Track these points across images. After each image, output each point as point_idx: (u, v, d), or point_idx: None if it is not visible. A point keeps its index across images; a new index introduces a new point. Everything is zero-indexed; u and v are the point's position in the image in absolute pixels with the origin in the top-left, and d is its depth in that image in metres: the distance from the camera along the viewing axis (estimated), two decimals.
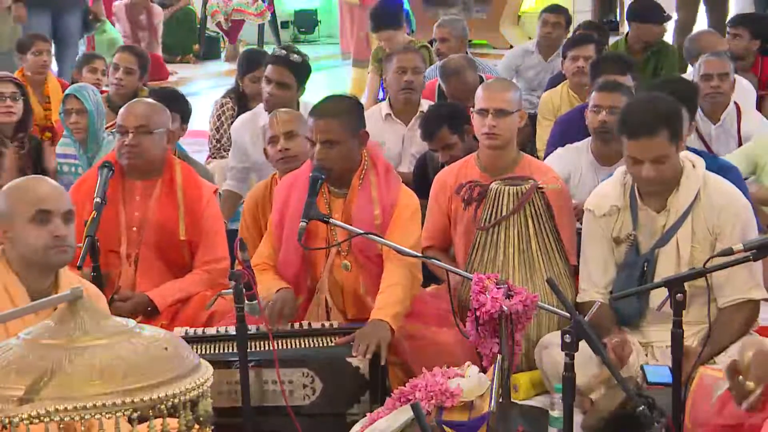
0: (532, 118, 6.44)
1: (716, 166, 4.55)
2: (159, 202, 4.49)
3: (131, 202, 4.48)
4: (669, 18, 8.07)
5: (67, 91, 6.01)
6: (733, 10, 10.19)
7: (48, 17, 8.92)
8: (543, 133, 6.49)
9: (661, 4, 8.06)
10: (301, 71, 5.77)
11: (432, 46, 8.03)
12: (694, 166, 4.00)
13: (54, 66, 8.94)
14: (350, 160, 4.19)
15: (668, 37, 8.76)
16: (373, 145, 4.38)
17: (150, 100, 4.87)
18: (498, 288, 3.36)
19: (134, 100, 4.86)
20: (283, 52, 5.87)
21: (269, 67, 5.75)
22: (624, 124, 3.92)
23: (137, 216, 4.47)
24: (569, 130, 5.58)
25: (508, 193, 4.16)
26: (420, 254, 4.09)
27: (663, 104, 3.98)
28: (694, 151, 4.59)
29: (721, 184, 4.03)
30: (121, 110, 4.56)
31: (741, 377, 3.09)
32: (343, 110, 4.22)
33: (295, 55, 5.79)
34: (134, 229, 4.47)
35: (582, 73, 6.39)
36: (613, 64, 5.80)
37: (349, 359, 3.84)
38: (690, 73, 6.50)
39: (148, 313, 4.31)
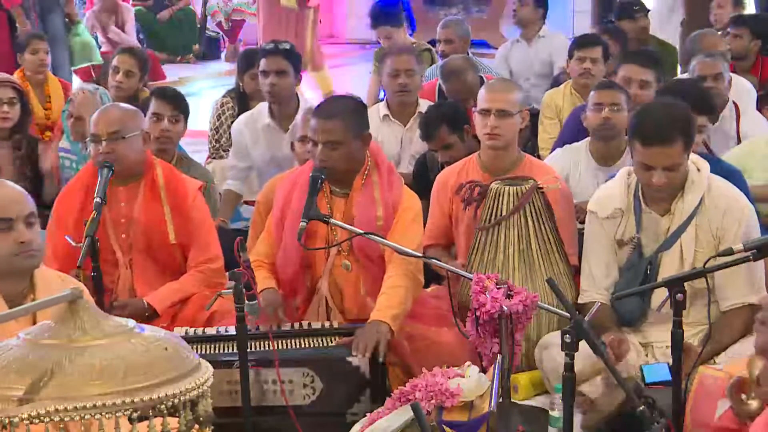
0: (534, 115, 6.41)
1: (720, 169, 4.54)
2: (144, 205, 4.45)
3: (116, 208, 4.44)
4: (639, 11, 7.96)
5: (72, 95, 6.01)
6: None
7: (33, 18, 8.96)
8: (545, 132, 6.48)
9: (632, 0, 8.01)
10: (293, 57, 5.86)
11: (433, 46, 8.02)
12: (699, 169, 3.99)
13: None
14: (352, 161, 4.19)
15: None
16: (375, 146, 4.37)
17: (122, 104, 4.82)
18: (498, 288, 3.36)
19: (106, 105, 4.82)
20: (271, 44, 5.97)
21: (263, 61, 5.84)
22: (638, 129, 3.89)
23: (124, 222, 4.45)
24: (575, 126, 5.57)
25: (508, 193, 4.16)
26: (421, 255, 4.08)
27: (679, 112, 3.96)
28: (704, 154, 4.59)
29: (724, 187, 4.02)
30: (93, 118, 4.51)
31: (744, 395, 3.12)
32: (346, 111, 4.21)
33: (284, 44, 5.93)
34: (123, 235, 4.44)
35: (588, 74, 6.34)
36: (638, 56, 5.83)
37: (349, 359, 3.84)
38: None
39: (146, 318, 4.30)
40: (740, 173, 4.74)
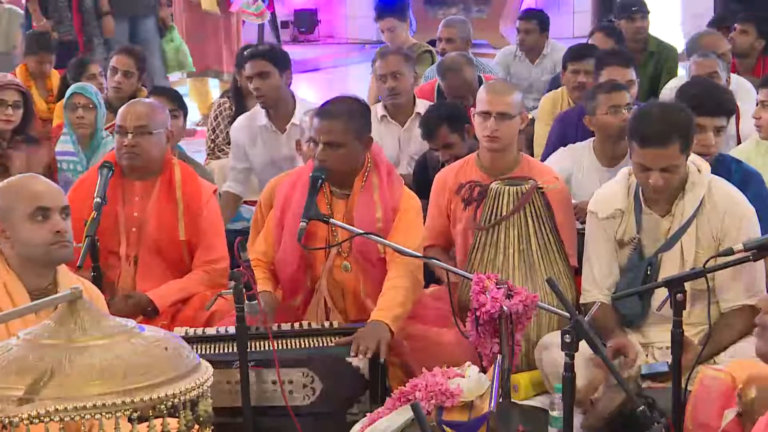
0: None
1: (740, 170, 4.52)
2: (158, 202, 4.49)
3: (130, 202, 4.48)
4: (637, 12, 7.93)
5: (71, 90, 6.00)
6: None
7: (126, 24, 8.73)
8: (541, 136, 6.45)
9: (631, 1, 7.99)
10: (276, 57, 5.75)
11: (433, 46, 8.01)
12: (699, 170, 3.99)
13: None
14: (351, 162, 4.19)
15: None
16: (376, 147, 4.37)
17: (149, 100, 4.87)
18: (498, 288, 3.36)
19: (133, 100, 4.87)
20: (252, 48, 6.01)
21: (246, 66, 5.78)
22: (636, 130, 3.89)
23: (136, 216, 4.48)
24: (568, 128, 5.56)
25: (508, 193, 4.16)
26: (421, 255, 4.08)
27: (677, 114, 3.95)
28: (724, 156, 4.58)
29: (725, 189, 4.02)
30: (121, 110, 4.57)
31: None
32: (349, 112, 4.20)
33: (262, 46, 5.95)
34: (133, 229, 4.47)
35: (582, 87, 6.23)
36: (616, 57, 5.81)
37: (349, 359, 3.85)
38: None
39: (148, 313, 4.32)
40: (760, 175, 4.72)
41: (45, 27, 8.20)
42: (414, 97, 6.23)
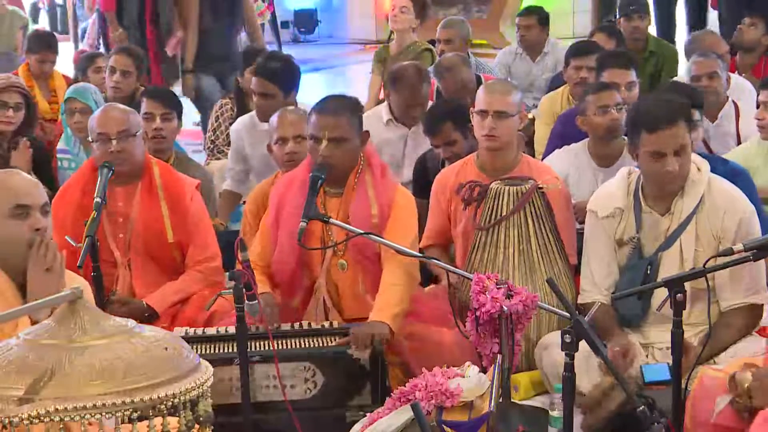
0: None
1: (726, 169, 4.53)
2: (141, 205, 4.46)
3: (114, 208, 4.43)
4: (635, 11, 7.93)
5: (67, 94, 6.01)
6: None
7: (214, 78, 8.16)
8: (542, 136, 6.46)
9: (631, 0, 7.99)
10: (283, 77, 5.70)
11: (434, 45, 8.02)
12: (699, 169, 3.99)
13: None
14: (353, 158, 4.20)
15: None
16: (370, 147, 4.38)
17: (119, 104, 4.82)
18: (498, 288, 3.36)
19: (106, 105, 4.80)
20: (262, 62, 5.85)
21: (253, 79, 5.75)
22: (641, 119, 3.92)
23: (121, 222, 4.45)
24: (569, 128, 5.57)
25: (508, 193, 4.16)
26: (418, 253, 4.09)
27: (674, 97, 4.03)
28: (702, 154, 4.60)
29: (725, 187, 4.02)
30: (97, 118, 4.50)
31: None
32: (349, 108, 4.23)
33: (274, 63, 5.75)
34: (120, 235, 4.44)
35: (584, 83, 6.25)
36: (617, 59, 5.83)
37: (350, 351, 3.88)
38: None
39: (146, 319, 4.29)
40: (747, 173, 4.73)
41: (121, 38, 8.14)
42: (427, 100, 6.18)
